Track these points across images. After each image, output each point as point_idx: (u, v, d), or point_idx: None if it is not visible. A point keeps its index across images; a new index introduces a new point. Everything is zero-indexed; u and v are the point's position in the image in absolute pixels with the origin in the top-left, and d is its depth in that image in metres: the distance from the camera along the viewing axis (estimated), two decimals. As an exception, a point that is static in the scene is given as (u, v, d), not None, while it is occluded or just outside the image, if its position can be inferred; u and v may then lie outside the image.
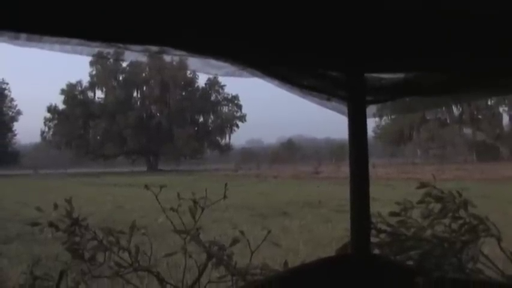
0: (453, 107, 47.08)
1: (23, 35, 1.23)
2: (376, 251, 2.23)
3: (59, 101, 55.25)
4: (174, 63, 47.05)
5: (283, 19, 1.34)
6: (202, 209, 2.56)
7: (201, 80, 58.78)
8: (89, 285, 2.49)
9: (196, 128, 57.72)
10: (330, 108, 2.12)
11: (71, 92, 54.90)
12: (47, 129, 55.59)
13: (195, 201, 2.56)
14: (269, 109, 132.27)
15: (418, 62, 1.78)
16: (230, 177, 26.80)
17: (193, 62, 1.62)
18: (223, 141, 59.70)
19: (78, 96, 55.63)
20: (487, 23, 1.35)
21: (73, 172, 46.15)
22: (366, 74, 1.92)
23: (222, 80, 56.07)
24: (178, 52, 1.53)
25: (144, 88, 56.91)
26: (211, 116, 59.42)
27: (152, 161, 56.00)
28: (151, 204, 3.72)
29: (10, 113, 58.30)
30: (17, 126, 59.46)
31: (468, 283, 1.95)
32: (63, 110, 54.72)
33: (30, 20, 1.17)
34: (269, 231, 2.72)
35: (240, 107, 59.14)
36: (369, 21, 1.36)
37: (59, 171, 47.92)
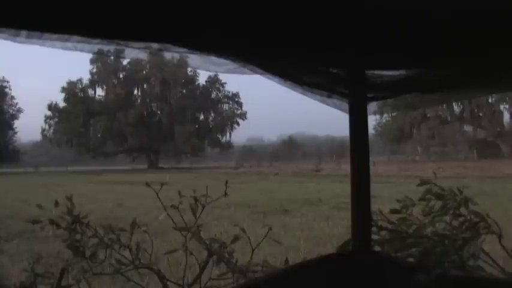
0: (454, 104, 47.02)
1: (24, 32, 1.23)
2: (377, 248, 2.23)
3: (59, 99, 55.42)
4: (175, 61, 47.13)
5: (284, 16, 1.34)
6: (203, 207, 2.56)
7: (202, 78, 58.85)
8: (90, 282, 2.49)
9: (196, 126, 57.71)
10: (331, 106, 2.12)
11: (71, 90, 54.91)
12: (47, 127, 55.70)
13: (195, 199, 2.56)
14: (270, 107, 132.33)
15: (419, 59, 1.78)
16: (231, 175, 26.81)
17: (194, 59, 1.62)
18: (224, 138, 59.74)
19: (79, 94, 55.64)
20: (488, 19, 1.34)
21: (74, 170, 46.19)
22: (366, 71, 1.92)
23: (222, 77, 56.12)
24: (178, 49, 1.53)
25: (145, 86, 56.89)
26: (212, 114, 59.41)
27: (153, 159, 56.01)
28: (152, 201, 3.72)
29: (11, 111, 58.42)
30: (17, 124, 59.67)
31: (469, 280, 1.96)
32: (63, 108, 54.74)
33: (31, 17, 1.17)
34: (270, 229, 2.72)
35: (240, 104, 59.20)
36: (370, 17, 1.36)
37: (59, 169, 47.98)
